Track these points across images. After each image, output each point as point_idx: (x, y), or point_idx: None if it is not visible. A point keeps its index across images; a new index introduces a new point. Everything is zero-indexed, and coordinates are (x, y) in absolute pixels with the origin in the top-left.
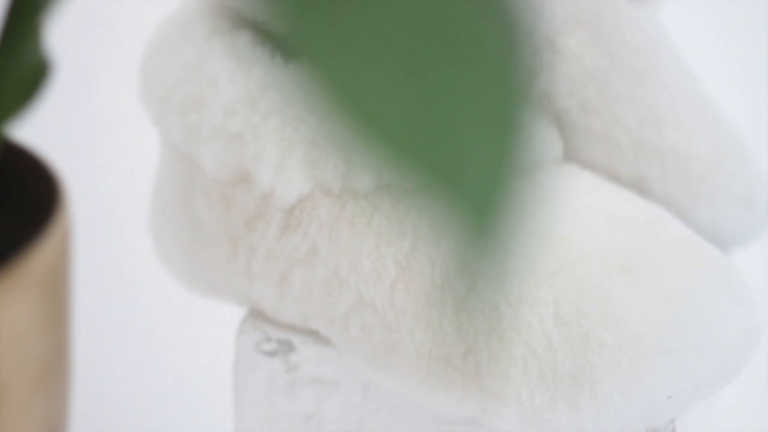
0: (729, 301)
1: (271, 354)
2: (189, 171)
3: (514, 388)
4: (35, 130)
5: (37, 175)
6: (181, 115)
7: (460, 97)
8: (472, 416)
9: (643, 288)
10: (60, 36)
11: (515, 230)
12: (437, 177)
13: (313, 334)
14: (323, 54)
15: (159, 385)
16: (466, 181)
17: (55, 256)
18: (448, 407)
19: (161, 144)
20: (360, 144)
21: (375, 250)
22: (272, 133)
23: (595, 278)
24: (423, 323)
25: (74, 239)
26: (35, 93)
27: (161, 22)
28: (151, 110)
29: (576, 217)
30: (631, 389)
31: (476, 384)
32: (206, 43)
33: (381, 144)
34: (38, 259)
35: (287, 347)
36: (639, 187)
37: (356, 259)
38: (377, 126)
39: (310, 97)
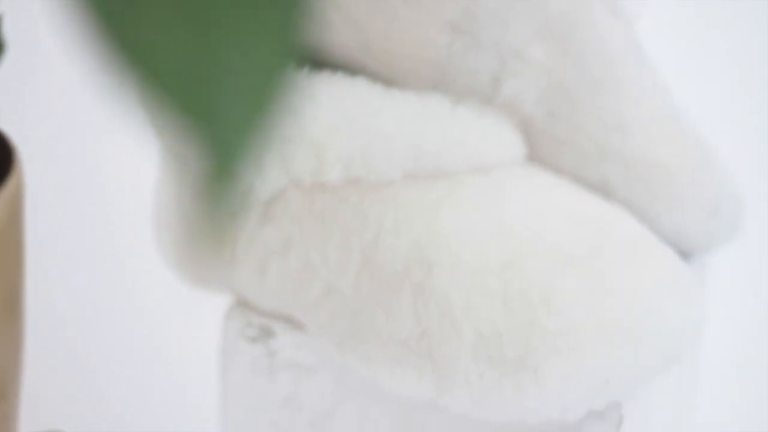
0: (670, 297)
1: (253, 339)
2: (179, 168)
3: (463, 370)
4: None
5: None
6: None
7: (230, 46)
8: (429, 397)
9: (589, 280)
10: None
11: (253, 172)
12: (197, 114)
13: (291, 321)
14: None
15: (151, 369)
16: (222, 123)
17: (4, 218)
18: (406, 388)
19: (158, 143)
20: (132, 80)
21: (342, 241)
22: None
23: (544, 270)
24: (383, 309)
25: (24, 200)
26: None
27: None
28: (146, 110)
29: (532, 213)
30: (570, 373)
31: (430, 366)
32: None
33: (149, 78)
34: None
35: (268, 333)
36: (603, 191)
37: (325, 250)
38: (147, 62)
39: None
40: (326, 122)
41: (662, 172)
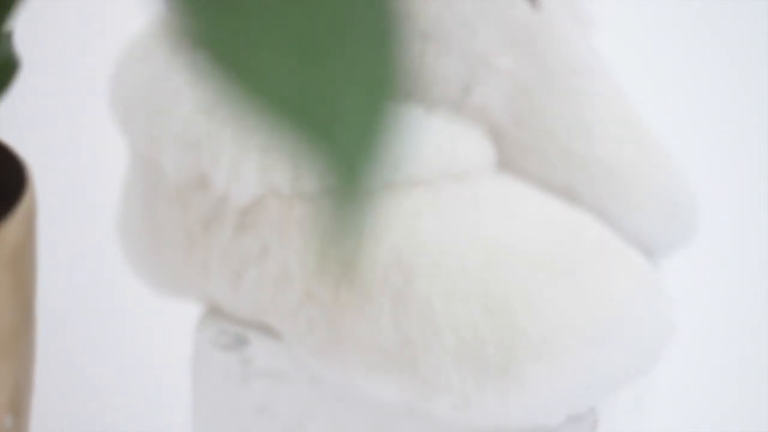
0: (645, 299)
1: (227, 347)
2: (152, 176)
3: (446, 376)
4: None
5: (3, 161)
6: (146, 123)
7: (340, 71)
8: (409, 404)
9: (566, 285)
10: (39, 44)
11: (377, 187)
12: (316, 137)
13: (266, 329)
14: (218, 31)
15: (123, 375)
16: (341, 142)
17: (20, 234)
18: (387, 395)
19: (128, 151)
20: (253, 109)
21: (321, 248)
22: (228, 140)
23: (522, 275)
24: (363, 317)
25: (37, 220)
26: (3, 88)
27: (130, 39)
28: (119, 118)
29: (507, 220)
30: (553, 378)
31: (412, 373)
32: (171, 56)
33: (270, 108)
34: (5, 236)
35: (242, 341)
36: (569, 196)
37: (304, 257)
38: (267, 92)
39: (209, 70)
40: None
41: (625, 174)
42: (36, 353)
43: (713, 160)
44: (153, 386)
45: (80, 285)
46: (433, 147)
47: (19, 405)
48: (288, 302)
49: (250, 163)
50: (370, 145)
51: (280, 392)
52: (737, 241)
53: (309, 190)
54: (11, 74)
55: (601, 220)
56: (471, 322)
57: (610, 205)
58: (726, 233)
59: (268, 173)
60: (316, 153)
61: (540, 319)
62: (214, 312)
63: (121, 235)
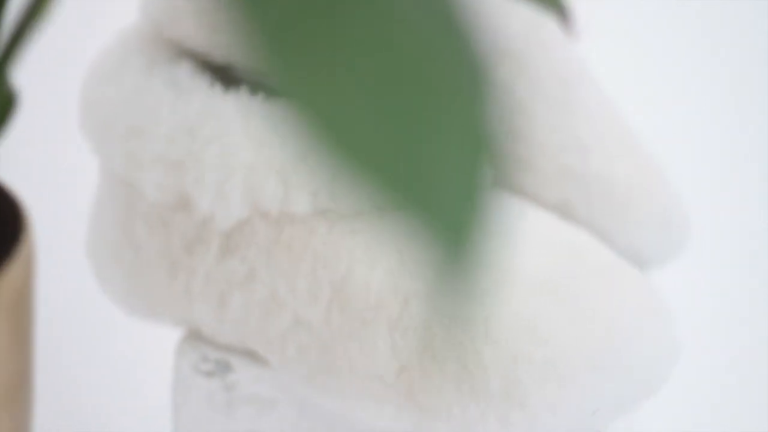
0: (649, 321)
1: (209, 374)
2: (129, 197)
3: (446, 404)
4: None
5: (1, 203)
6: (123, 144)
7: (432, 128)
8: (405, 431)
9: (570, 308)
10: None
11: (485, 252)
12: (414, 202)
13: (251, 354)
14: (310, 94)
15: (99, 403)
16: (441, 205)
17: (20, 280)
18: (383, 423)
19: (100, 171)
20: (342, 173)
21: (311, 272)
22: (212, 160)
23: (525, 299)
24: (358, 343)
25: (37, 265)
26: (4, 125)
27: (100, 53)
28: (92, 139)
29: (506, 241)
30: (558, 404)
31: (409, 401)
32: (146, 73)
33: (362, 172)
34: (4, 283)
35: (225, 367)
36: (563, 211)
37: (293, 281)
38: (359, 156)
39: (292, 130)
40: (293, 152)
41: (620, 189)
42: (34, 402)
43: (712, 162)
44: (147, 399)
45: (77, 299)
46: None
47: None
48: (276, 328)
49: (236, 184)
50: (472, 208)
51: (267, 419)
52: (736, 243)
53: (298, 213)
54: (10, 112)
55: (595, 236)
56: (472, 348)
57: (605, 220)
58: (725, 235)
59: (254, 194)
60: (415, 218)
61: (545, 344)
62: (194, 337)
63: (92, 258)
